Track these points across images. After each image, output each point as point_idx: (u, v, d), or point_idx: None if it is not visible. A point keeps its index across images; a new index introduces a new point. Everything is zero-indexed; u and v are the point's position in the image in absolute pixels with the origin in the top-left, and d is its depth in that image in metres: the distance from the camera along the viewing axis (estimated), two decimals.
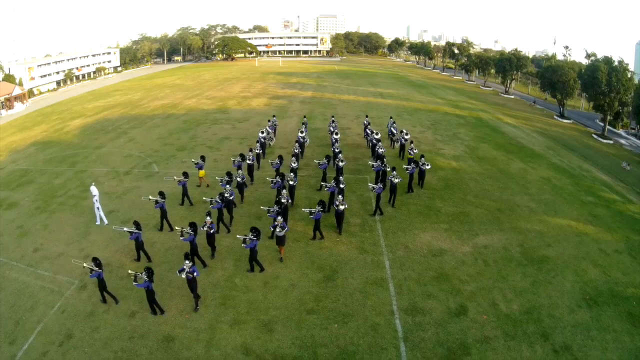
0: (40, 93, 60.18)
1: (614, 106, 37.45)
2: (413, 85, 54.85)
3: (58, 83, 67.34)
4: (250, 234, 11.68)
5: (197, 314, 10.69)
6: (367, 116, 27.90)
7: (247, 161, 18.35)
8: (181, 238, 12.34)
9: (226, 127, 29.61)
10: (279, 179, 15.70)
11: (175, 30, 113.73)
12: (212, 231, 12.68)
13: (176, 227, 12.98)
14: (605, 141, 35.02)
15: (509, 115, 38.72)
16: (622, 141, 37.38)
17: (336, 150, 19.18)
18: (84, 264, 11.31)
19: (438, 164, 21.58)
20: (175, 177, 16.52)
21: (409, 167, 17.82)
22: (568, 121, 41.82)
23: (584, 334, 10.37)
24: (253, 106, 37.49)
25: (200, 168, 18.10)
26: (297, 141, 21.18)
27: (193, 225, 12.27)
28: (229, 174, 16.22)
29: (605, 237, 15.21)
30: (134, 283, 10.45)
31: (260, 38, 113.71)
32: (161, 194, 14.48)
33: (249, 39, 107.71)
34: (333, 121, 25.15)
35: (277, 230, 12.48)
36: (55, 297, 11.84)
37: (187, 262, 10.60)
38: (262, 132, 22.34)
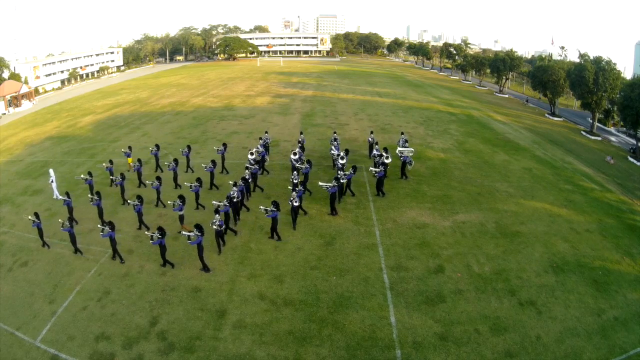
0: (46, 92, 61.93)
1: (602, 104, 39.05)
2: (409, 85, 56.56)
3: (62, 82, 69.05)
4: (272, 206, 13.81)
5: (218, 271, 12.75)
6: (372, 132, 23.68)
7: (234, 197, 15.05)
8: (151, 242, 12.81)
9: (234, 123, 31.50)
10: (307, 165, 17.70)
11: (177, 30, 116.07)
12: (221, 228, 13.16)
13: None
14: (593, 137, 36.34)
15: (500, 113, 40.45)
16: (612, 138, 38.89)
17: (342, 180, 16.66)
18: (29, 217, 14.48)
19: (427, 155, 23.45)
20: (82, 176, 18.77)
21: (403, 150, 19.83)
22: (558, 119, 43.25)
23: (549, 293, 11.88)
24: (257, 104, 39.35)
25: (128, 156, 21.45)
26: (293, 168, 18.14)
27: (160, 230, 12.50)
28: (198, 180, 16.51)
29: (578, 219, 16.52)
30: (150, 241, 12.72)
31: (261, 38, 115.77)
32: (89, 173, 18.19)
33: (250, 39, 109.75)
34: (335, 139, 21.66)
35: (294, 202, 14.42)
36: (90, 263, 13.55)
37: (217, 215, 12.81)
38: (252, 154, 18.88)
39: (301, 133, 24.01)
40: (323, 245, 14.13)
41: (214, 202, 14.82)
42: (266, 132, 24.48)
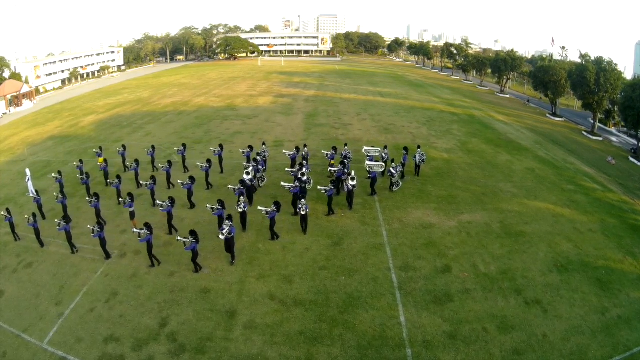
0: (46, 91, 61.81)
1: (603, 104, 39.18)
2: (411, 85, 56.68)
3: (63, 81, 68.89)
4: (273, 206, 13.96)
5: (227, 271, 12.81)
6: (385, 147, 21.03)
7: (222, 235, 12.86)
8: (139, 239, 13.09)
9: (237, 123, 31.52)
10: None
11: (177, 29, 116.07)
12: (231, 235, 12.61)
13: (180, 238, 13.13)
14: (594, 138, 36.55)
15: (501, 113, 40.58)
16: (613, 138, 39.04)
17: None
18: (1, 212, 15.11)
19: (431, 156, 23.45)
20: (53, 175, 19.43)
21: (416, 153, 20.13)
22: (560, 119, 43.44)
23: (554, 292, 12.02)
24: (260, 104, 39.38)
25: (100, 156, 22.09)
26: (301, 190, 16.09)
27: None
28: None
29: (581, 219, 16.70)
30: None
31: (262, 38, 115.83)
32: (59, 172, 19.11)
33: (251, 38, 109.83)
34: (346, 155, 18.88)
35: (302, 210, 14.36)
36: (97, 264, 13.47)
37: (227, 221, 12.69)
38: (248, 174, 16.73)
39: (305, 146, 21.08)
40: (331, 245, 14.21)
41: (158, 201, 15.73)
42: (264, 144, 21.64)
